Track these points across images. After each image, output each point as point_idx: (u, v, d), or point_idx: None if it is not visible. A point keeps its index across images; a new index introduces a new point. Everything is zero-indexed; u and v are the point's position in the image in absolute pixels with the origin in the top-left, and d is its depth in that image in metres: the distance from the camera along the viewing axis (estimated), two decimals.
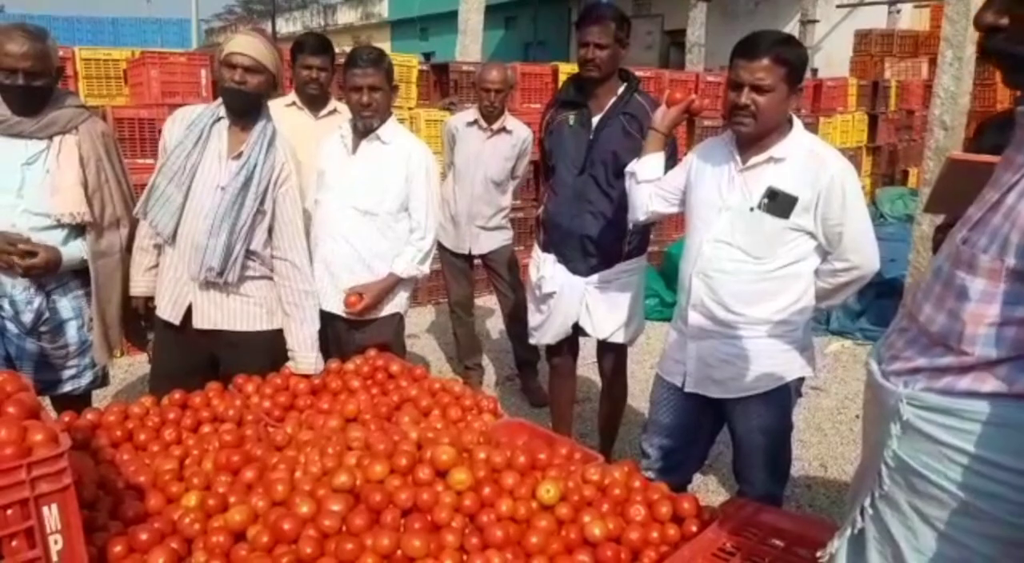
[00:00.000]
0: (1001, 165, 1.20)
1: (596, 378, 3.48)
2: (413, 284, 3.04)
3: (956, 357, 1.18)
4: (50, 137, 2.48)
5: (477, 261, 4.34)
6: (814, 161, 2.14)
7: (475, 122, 4.11)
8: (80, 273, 2.59)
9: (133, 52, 4.98)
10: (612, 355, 3.15)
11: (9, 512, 1.32)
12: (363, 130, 2.81)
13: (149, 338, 2.85)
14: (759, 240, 2.18)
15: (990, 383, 1.15)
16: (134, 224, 2.70)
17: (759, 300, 2.21)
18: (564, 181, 2.96)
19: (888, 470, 1.27)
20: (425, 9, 22.79)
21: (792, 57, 2.09)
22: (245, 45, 2.47)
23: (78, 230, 2.54)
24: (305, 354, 2.61)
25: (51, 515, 1.36)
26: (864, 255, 2.17)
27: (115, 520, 1.66)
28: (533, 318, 3.19)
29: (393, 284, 2.90)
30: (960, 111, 4.99)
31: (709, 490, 3.32)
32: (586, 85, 2.90)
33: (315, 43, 3.43)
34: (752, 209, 2.17)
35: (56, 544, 1.36)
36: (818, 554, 1.43)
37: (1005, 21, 1.14)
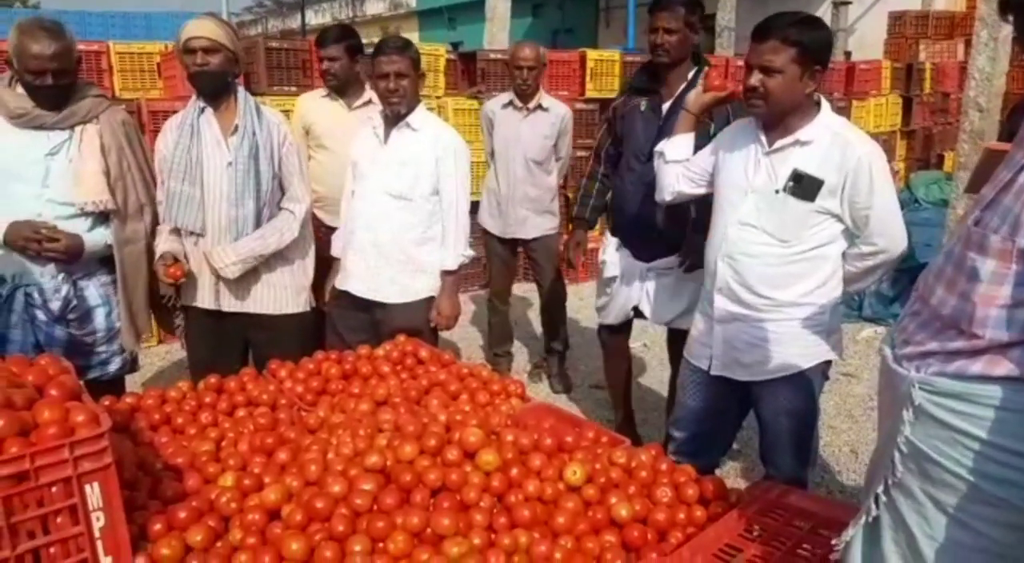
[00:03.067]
0: (1016, 143, 1.18)
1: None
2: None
3: (967, 340, 1.16)
4: (71, 127, 2.52)
5: (519, 248, 4.36)
6: (840, 143, 2.12)
7: (510, 103, 4.12)
8: (106, 261, 2.63)
9: (166, 46, 5.06)
10: (677, 338, 3.17)
11: (54, 490, 1.37)
12: (392, 117, 2.85)
13: (178, 323, 2.90)
14: (785, 223, 2.17)
15: (1003, 367, 1.13)
16: (156, 212, 2.74)
17: (785, 283, 2.21)
18: (632, 167, 3.00)
19: (901, 457, 1.26)
20: None
21: (804, 38, 2.06)
22: (198, 28, 2.59)
23: (103, 218, 2.58)
24: (223, 253, 2.69)
25: (93, 493, 1.40)
26: (891, 238, 2.15)
27: (154, 500, 1.71)
28: (599, 298, 3.28)
29: (455, 283, 2.98)
30: (995, 93, 4.89)
31: (737, 475, 3.32)
32: (658, 71, 2.92)
33: (328, 34, 3.51)
34: (777, 191, 2.16)
35: (98, 521, 1.40)
36: (833, 542, 1.43)
37: None
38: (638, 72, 3.14)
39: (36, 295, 2.54)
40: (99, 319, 2.65)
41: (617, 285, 3.10)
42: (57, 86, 2.45)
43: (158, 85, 5.06)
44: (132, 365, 2.82)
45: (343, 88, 3.48)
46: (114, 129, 2.58)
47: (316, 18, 29.88)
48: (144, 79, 5.01)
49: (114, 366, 2.71)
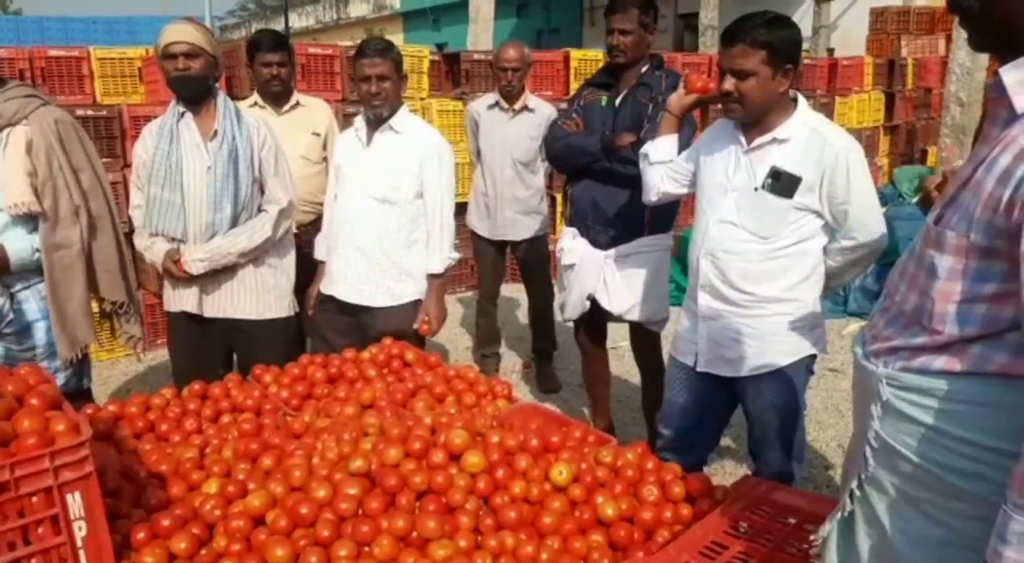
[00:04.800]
0: (979, 140, 1.20)
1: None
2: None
3: (929, 336, 1.18)
4: None
5: (507, 249, 4.37)
6: (818, 140, 2.13)
7: (496, 104, 4.12)
8: None
9: (147, 50, 5.03)
10: (641, 339, 3.20)
11: (34, 500, 1.36)
12: (374, 120, 2.84)
13: (133, 335, 2.80)
14: (764, 220, 2.18)
15: (965, 362, 1.15)
16: (107, 216, 2.62)
17: (766, 278, 2.22)
18: None
19: (872, 451, 1.27)
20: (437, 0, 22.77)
21: (772, 39, 2.08)
22: (179, 33, 2.57)
23: (36, 226, 2.45)
24: (191, 250, 2.69)
25: (75, 502, 1.39)
26: (870, 232, 2.17)
27: (138, 508, 1.70)
28: (559, 294, 3.28)
29: (441, 286, 2.97)
30: (976, 87, 4.94)
31: (726, 472, 3.33)
32: (616, 70, 3.00)
33: (271, 39, 3.49)
34: (756, 189, 2.18)
35: (80, 531, 1.40)
36: (812, 537, 1.44)
37: None
38: (599, 70, 3.24)
39: None
40: (39, 334, 2.53)
41: (574, 274, 3.11)
42: None
43: (139, 90, 5.03)
44: (80, 379, 2.65)
45: (274, 95, 3.45)
46: (44, 129, 2.45)
47: (300, 21, 29.82)
48: (125, 84, 4.99)
49: (59, 382, 2.48)
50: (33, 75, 4.74)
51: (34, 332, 2.53)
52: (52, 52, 4.84)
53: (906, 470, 1.22)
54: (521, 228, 4.21)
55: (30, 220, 2.45)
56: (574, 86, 6.51)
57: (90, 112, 4.53)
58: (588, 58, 6.75)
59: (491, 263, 4.37)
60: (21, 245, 2.45)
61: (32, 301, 2.53)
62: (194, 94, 2.65)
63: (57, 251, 2.49)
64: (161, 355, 4.55)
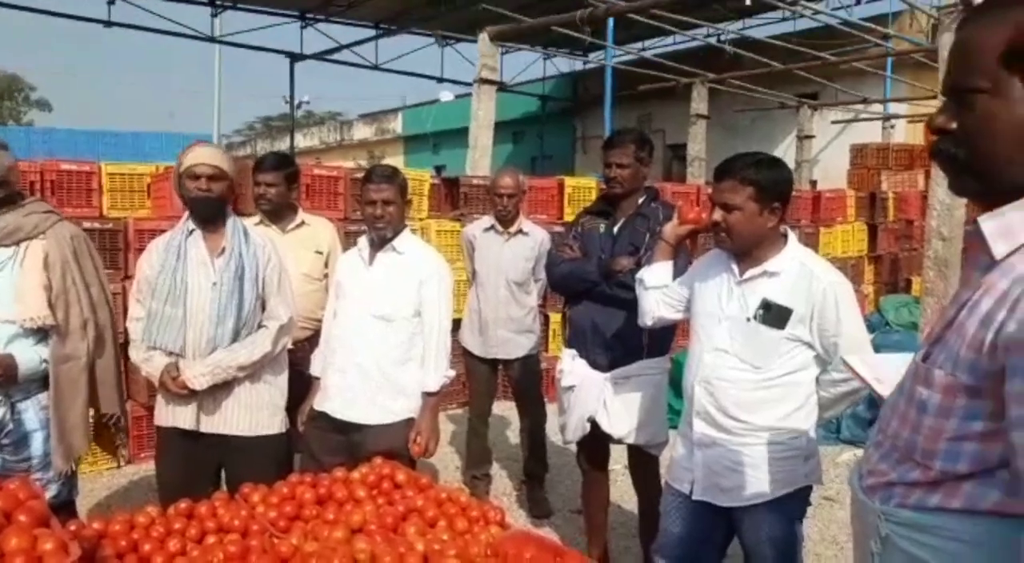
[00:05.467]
0: (961, 282, 1.25)
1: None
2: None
3: (922, 472, 1.19)
4: (17, 243, 2.51)
5: (500, 366, 4.38)
6: (807, 274, 2.22)
7: (492, 227, 4.26)
8: (48, 382, 2.52)
9: (157, 167, 5.20)
10: (640, 462, 3.18)
11: None
12: (378, 242, 2.93)
13: (119, 445, 2.82)
14: (757, 349, 2.23)
15: (958, 499, 1.16)
16: (110, 328, 2.69)
17: (760, 407, 2.24)
18: None
19: None
20: (437, 126, 23.76)
21: (760, 177, 2.21)
22: (206, 156, 2.69)
23: (45, 337, 2.51)
24: (192, 365, 2.68)
25: None
26: None
27: None
28: (560, 417, 3.27)
29: (435, 405, 2.98)
30: (956, 223, 5.12)
31: None
32: (612, 200, 3.15)
33: (267, 161, 3.64)
34: (749, 320, 2.24)
35: None
36: None
37: (954, 125, 1.19)
38: (597, 199, 3.40)
39: None
40: (36, 444, 2.53)
41: (574, 396, 3.12)
42: None
43: (146, 205, 5.16)
44: (70, 490, 2.66)
45: (277, 213, 3.57)
46: (60, 244, 2.55)
47: (304, 141, 30.90)
48: (133, 199, 5.12)
49: (50, 493, 2.52)
50: (43, 187, 4.87)
51: (31, 442, 2.53)
52: (64, 166, 4.99)
53: None
54: (513, 347, 4.25)
55: (39, 332, 2.50)
56: (568, 210, 6.73)
57: (96, 225, 4.63)
58: (581, 185, 7.02)
59: (483, 381, 4.37)
60: (29, 355, 2.48)
61: (31, 411, 2.53)
62: (211, 215, 2.73)
63: (65, 363, 2.53)
64: (145, 469, 4.45)
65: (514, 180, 4.21)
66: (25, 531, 1.41)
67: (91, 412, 2.71)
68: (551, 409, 4.30)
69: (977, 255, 1.19)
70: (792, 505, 2.28)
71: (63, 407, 2.53)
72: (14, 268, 2.49)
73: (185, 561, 1.99)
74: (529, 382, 4.35)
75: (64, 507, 2.57)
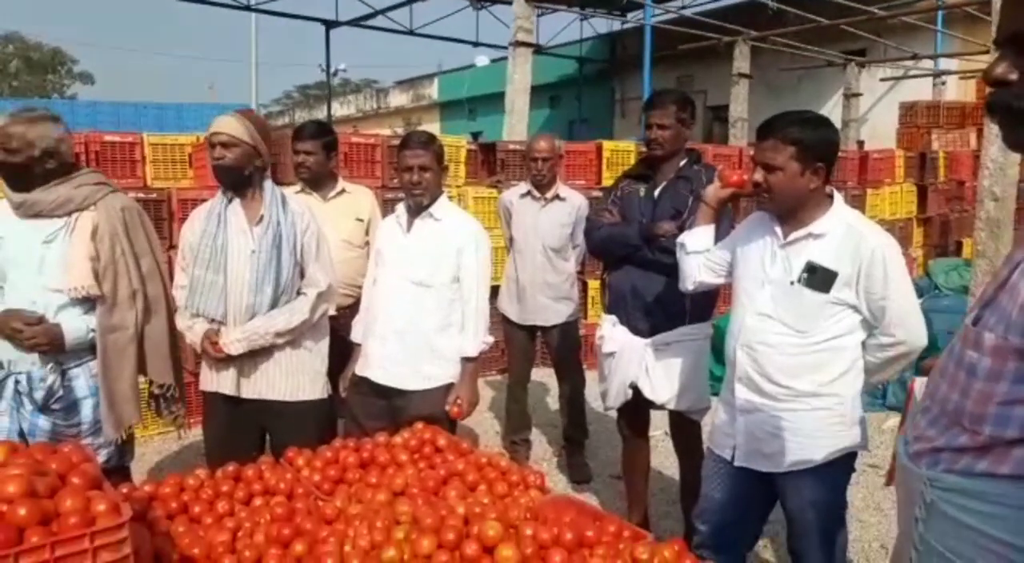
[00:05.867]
0: (1015, 242, 1.21)
1: None
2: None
3: (970, 437, 1.16)
4: (68, 214, 2.56)
5: (538, 333, 4.38)
6: (854, 236, 2.16)
7: (528, 193, 4.24)
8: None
9: (198, 137, 5.25)
10: (682, 428, 3.16)
11: None
12: (415, 208, 2.93)
13: (176, 413, 2.87)
14: (801, 314, 2.19)
15: (1007, 465, 1.13)
16: (163, 299, 2.73)
17: (804, 372, 2.21)
18: None
19: (917, 554, 1.24)
20: (473, 91, 23.59)
21: (803, 136, 2.14)
22: (219, 124, 2.70)
23: (94, 307, 2.56)
24: (230, 331, 2.73)
25: None
26: (909, 330, 2.16)
27: None
28: (600, 383, 3.26)
29: (474, 370, 3.00)
30: (1010, 182, 4.94)
31: None
32: (653, 162, 3.09)
33: (305, 129, 3.65)
34: (792, 283, 2.19)
35: None
36: None
37: (1014, 76, 1.14)
38: (637, 162, 3.33)
39: (25, 383, 2.52)
40: (86, 411, 2.59)
41: (615, 362, 3.10)
42: (12, 164, 2.49)
43: (188, 175, 5.23)
44: (122, 456, 2.71)
45: (316, 182, 3.60)
46: (110, 215, 2.59)
47: (342, 109, 30.96)
48: (175, 169, 5.19)
49: (100, 458, 2.57)
50: (88, 159, 4.95)
51: (81, 408, 2.59)
52: (107, 137, 5.06)
53: None
54: (551, 314, 4.24)
55: (87, 301, 2.55)
56: (606, 175, 6.65)
57: (140, 195, 4.70)
58: (620, 149, 6.92)
59: (521, 348, 4.38)
60: (77, 324, 2.54)
61: (82, 378, 2.59)
62: (230, 181, 2.75)
63: (112, 333, 2.58)
64: (193, 433, 4.57)
65: (549, 144, 4.17)
66: (79, 493, 1.45)
67: (145, 382, 2.78)
68: (590, 375, 4.30)
69: None
70: (837, 471, 2.25)
71: (111, 376, 2.59)
72: (65, 239, 2.55)
73: (233, 522, 2.04)
74: (567, 349, 4.35)
75: (117, 472, 2.63)
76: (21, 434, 2.52)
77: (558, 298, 4.24)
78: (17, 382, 2.53)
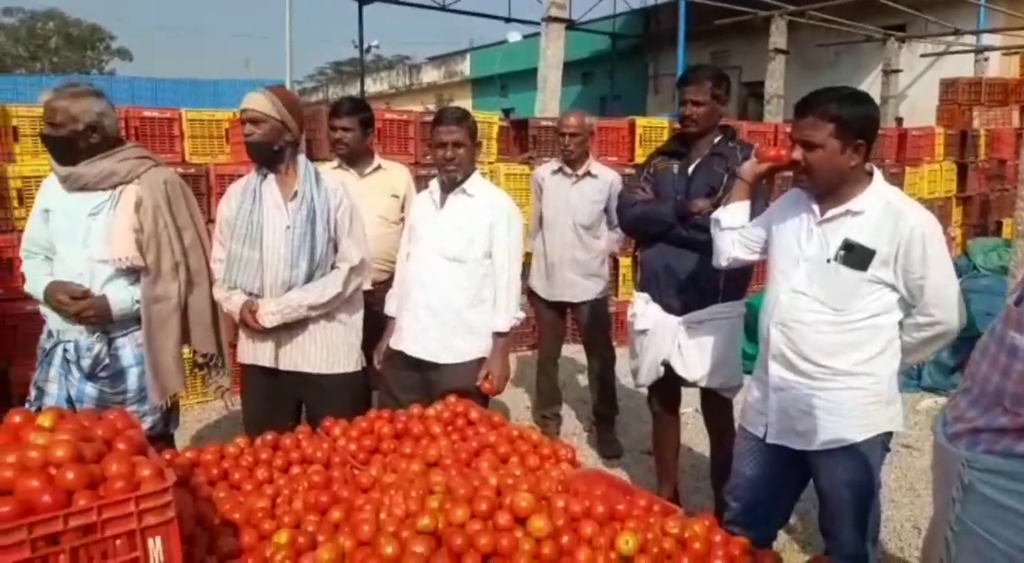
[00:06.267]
0: None
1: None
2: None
3: (1011, 418, 1.15)
4: (113, 187, 2.62)
5: (568, 309, 4.38)
6: (893, 213, 2.12)
7: (560, 170, 4.23)
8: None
9: (234, 113, 5.29)
10: (713, 405, 3.16)
11: (118, 543, 1.40)
12: (448, 184, 2.94)
13: (221, 384, 2.94)
14: (837, 291, 2.16)
15: None
16: (205, 271, 2.79)
17: (840, 351, 2.19)
18: None
19: (953, 534, 1.23)
20: (505, 67, 23.46)
21: (842, 113, 2.09)
22: (248, 101, 2.73)
23: (139, 278, 2.63)
24: (265, 303, 2.75)
25: (155, 547, 1.43)
26: (947, 309, 2.12)
27: (211, 555, 1.73)
28: (632, 360, 3.26)
29: (506, 345, 3.02)
30: None
31: (794, 550, 3.21)
32: (687, 139, 3.07)
33: (342, 106, 3.66)
34: (829, 261, 2.17)
35: None
36: None
37: None
38: (671, 139, 3.31)
39: (72, 351, 2.60)
40: (132, 379, 2.67)
41: (647, 339, 3.10)
42: (49, 137, 2.57)
43: (226, 150, 5.29)
44: (167, 424, 2.81)
45: (353, 158, 3.63)
46: (153, 188, 2.65)
47: (375, 86, 30.97)
48: (213, 145, 5.24)
49: (145, 425, 2.65)
50: (127, 134, 5.02)
51: (127, 377, 2.67)
52: (146, 113, 5.13)
53: (988, 554, 1.18)
54: (580, 291, 4.24)
55: (132, 273, 2.62)
56: (639, 152, 6.60)
57: (179, 170, 4.76)
58: (653, 125, 6.85)
59: (550, 324, 4.39)
60: (122, 296, 2.62)
61: (128, 347, 2.67)
62: (260, 157, 2.77)
63: (156, 304, 2.65)
64: (231, 404, 4.67)
65: (578, 120, 4.15)
66: (124, 458, 1.49)
67: (189, 352, 2.85)
68: (620, 352, 4.30)
69: None
70: (871, 451, 2.24)
71: (155, 346, 2.67)
72: (110, 211, 2.62)
73: (272, 489, 2.09)
74: (596, 326, 4.35)
75: (161, 438, 2.73)
76: (69, 401, 2.61)
77: (587, 275, 4.23)
78: (65, 350, 2.61)
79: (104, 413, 1.74)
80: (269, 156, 2.77)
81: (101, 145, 2.62)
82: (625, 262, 6.29)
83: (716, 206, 2.75)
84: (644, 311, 3.11)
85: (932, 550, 1.33)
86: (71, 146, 2.58)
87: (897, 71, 14.33)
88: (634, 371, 3.25)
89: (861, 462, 2.23)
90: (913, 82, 15.05)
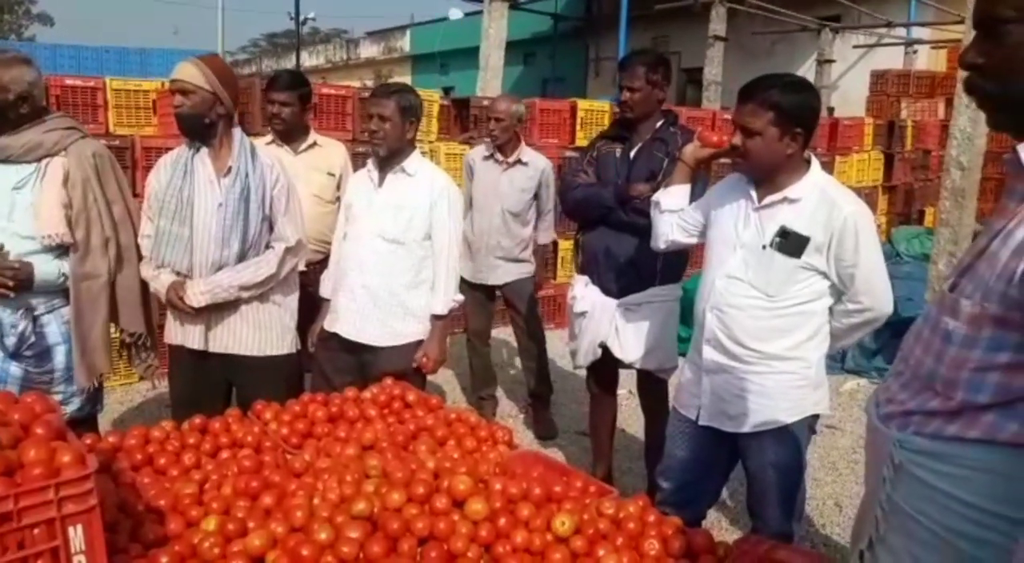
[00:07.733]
0: (995, 212, 1.23)
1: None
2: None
3: (942, 401, 1.19)
4: (39, 160, 2.50)
5: (497, 292, 4.38)
6: (828, 202, 2.17)
7: (491, 156, 4.18)
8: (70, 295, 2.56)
9: (163, 83, 5.10)
10: (649, 387, 3.22)
11: (36, 531, 1.34)
12: (379, 160, 2.89)
13: (150, 363, 2.86)
14: (771, 278, 2.21)
15: (977, 429, 1.16)
16: (134, 247, 2.70)
17: (772, 336, 2.24)
18: None
19: (883, 514, 1.28)
20: (445, 45, 23.16)
21: (781, 101, 2.12)
22: (178, 71, 2.63)
23: (67, 253, 2.53)
24: (194, 284, 2.67)
25: (76, 536, 1.38)
26: (876, 297, 2.19)
27: (135, 543, 1.67)
28: (571, 342, 3.29)
29: (444, 327, 2.99)
30: (977, 152, 5.01)
31: (723, 527, 3.30)
32: (629, 123, 3.10)
33: (280, 79, 3.55)
34: (764, 247, 2.20)
35: None
36: None
37: (981, 61, 1.17)
38: (612, 123, 3.36)
39: None
40: (58, 358, 2.58)
41: (586, 321, 3.14)
42: None
43: (152, 122, 5.09)
44: (93, 405, 2.73)
45: (288, 134, 3.52)
46: (81, 161, 2.54)
47: (311, 59, 30.24)
48: (139, 116, 5.04)
49: (72, 406, 2.61)
50: (48, 103, 4.79)
51: (54, 355, 2.57)
52: (68, 81, 4.90)
53: (917, 534, 1.22)
54: (502, 273, 4.24)
55: (59, 248, 2.52)
56: (580, 134, 6.61)
57: (103, 141, 4.56)
58: (595, 108, 6.87)
59: (477, 302, 4.35)
60: (48, 268, 2.51)
61: (54, 325, 2.57)
62: (191, 130, 2.66)
63: (85, 281, 2.55)
64: (157, 386, 4.53)
65: (506, 105, 4.11)
66: (43, 443, 1.43)
67: (116, 331, 2.75)
68: (554, 334, 4.32)
69: (1014, 184, 1.16)
70: (799, 433, 2.30)
71: (84, 324, 2.56)
72: (35, 185, 2.50)
73: (200, 474, 2.03)
74: (523, 305, 4.34)
75: (84, 422, 2.63)
76: None
77: (510, 260, 4.23)
78: None
79: (21, 396, 1.66)
80: (200, 129, 2.66)
81: (29, 116, 2.49)
82: (564, 246, 6.31)
83: (655, 190, 2.77)
84: (583, 293, 3.13)
85: (862, 528, 1.38)
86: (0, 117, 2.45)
87: (830, 61, 14.71)
88: (573, 353, 3.28)
89: (789, 444, 2.29)
90: (845, 72, 15.47)
